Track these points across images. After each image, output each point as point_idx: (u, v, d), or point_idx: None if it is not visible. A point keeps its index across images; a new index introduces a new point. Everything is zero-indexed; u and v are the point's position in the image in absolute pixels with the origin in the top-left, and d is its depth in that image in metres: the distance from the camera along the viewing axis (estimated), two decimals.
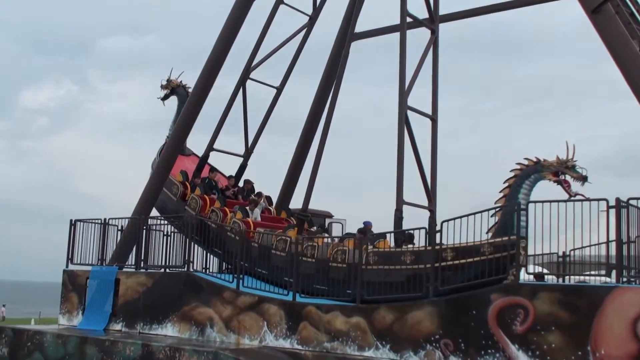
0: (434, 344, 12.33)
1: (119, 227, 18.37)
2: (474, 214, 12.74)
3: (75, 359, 15.88)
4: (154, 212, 19.48)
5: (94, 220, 18.52)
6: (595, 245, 13.09)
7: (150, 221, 17.89)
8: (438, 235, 13.00)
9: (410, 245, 14.49)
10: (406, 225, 15.73)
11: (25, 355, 16.89)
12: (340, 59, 19.22)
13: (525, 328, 11.43)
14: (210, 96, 19.74)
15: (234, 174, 21.28)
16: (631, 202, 11.61)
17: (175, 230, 17.45)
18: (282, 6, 20.97)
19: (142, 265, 17.37)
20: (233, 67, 20.31)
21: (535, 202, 11.98)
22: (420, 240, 13.75)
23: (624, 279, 11.58)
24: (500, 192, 13.60)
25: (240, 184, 21.16)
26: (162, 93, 21.54)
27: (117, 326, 17.05)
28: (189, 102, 19.75)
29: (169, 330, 16.03)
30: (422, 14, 18.43)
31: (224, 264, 18.10)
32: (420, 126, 17.59)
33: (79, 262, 18.55)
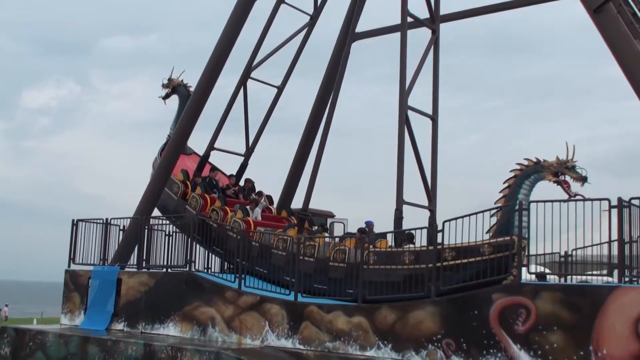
0: (435, 344, 12.33)
1: (121, 227, 18.40)
2: (476, 213, 12.75)
3: (77, 359, 15.90)
4: (156, 212, 19.50)
5: (95, 220, 18.53)
6: (597, 245, 13.07)
7: (152, 221, 17.91)
8: (440, 235, 12.99)
9: (410, 245, 14.50)
10: (406, 225, 15.75)
11: (27, 355, 16.91)
12: (341, 59, 19.24)
13: (527, 328, 11.42)
14: (211, 95, 19.77)
15: (234, 173, 21.30)
16: (633, 201, 11.61)
17: (177, 230, 17.47)
18: (283, 5, 20.97)
19: (143, 265, 17.38)
20: (234, 66, 20.35)
21: (537, 201, 11.97)
22: (421, 240, 13.79)
23: (626, 279, 11.58)
24: (500, 192, 13.63)
25: (241, 183, 21.18)
26: (164, 92, 21.54)
27: (119, 326, 17.07)
28: (190, 102, 19.75)
29: (171, 330, 16.04)
30: (423, 13, 18.45)
31: (226, 263, 18.13)
32: (421, 126, 17.63)
33: (81, 262, 18.57)
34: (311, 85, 21.91)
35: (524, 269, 12.15)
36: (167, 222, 17.89)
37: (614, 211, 11.44)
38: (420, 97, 17.64)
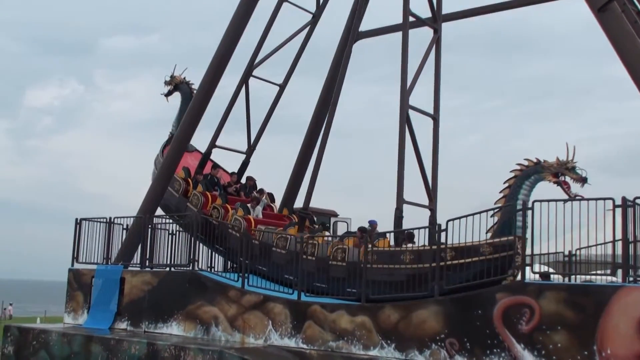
0: (439, 343, 12.31)
1: (124, 226, 18.40)
2: (479, 213, 12.75)
3: (80, 358, 15.91)
4: (159, 211, 19.50)
5: (99, 219, 18.54)
6: (601, 244, 13.07)
7: (155, 220, 17.91)
8: (443, 234, 12.97)
9: (410, 245, 14.50)
10: (407, 224, 15.74)
11: (30, 354, 16.93)
12: (343, 58, 19.24)
13: (531, 327, 11.40)
14: (214, 93, 19.76)
15: (236, 171, 21.31)
16: (637, 201, 11.58)
17: (181, 229, 17.48)
18: (285, 4, 20.98)
19: (147, 264, 17.38)
20: (236, 64, 20.33)
21: (541, 201, 11.94)
22: (422, 240, 13.79)
23: (630, 279, 11.53)
24: (500, 192, 13.63)
25: (243, 180, 21.19)
26: (166, 89, 21.60)
27: (122, 325, 17.07)
28: (193, 102, 19.75)
29: (174, 329, 16.04)
30: (425, 13, 18.43)
31: (229, 262, 18.14)
32: (422, 125, 17.62)
33: (84, 261, 18.58)
34: (313, 84, 21.94)
35: (527, 269, 12.13)
36: (170, 221, 17.90)
37: (618, 210, 11.41)
38: (421, 97, 17.66)
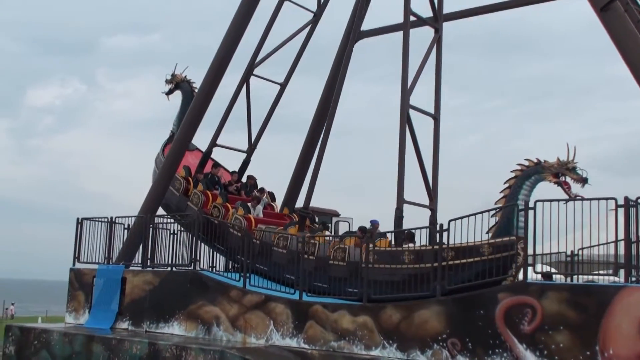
0: (441, 343, 12.29)
1: (126, 226, 18.39)
2: (481, 212, 12.73)
3: (81, 358, 15.89)
4: (161, 211, 19.49)
5: (100, 219, 18.53)
6: (603, 244, 13.03)
7: (156, 219, 17.90)
8: (445, 234, 12.95)
9: (411, 245, 14.47)
10: (407, 224, 15.72)
11: (32, 354, 16.92)
12: (344, 58, 19.21)
13: (533, 327, 11.37)
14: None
15: (237, 170, 21.29)
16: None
17: (182, 229, 17.46)
18: (286, 3, 20.97)
19: (148, 263, 17.38)
20: (236, 63, 20.32)
21: (543, 201, 11.92)
22: (422, 240, 13.76)
23: (633, 279, 11.51)
24: (501, 192, 13.61)
25: (244, 179, 21.17)
26: (167, 88, 21.60)
27: (124, 325, 17.06)
28: (195, 101, 19.73)
29: (176, 329, 16.03)
30: (426, 12, 18.40)
31: (230, 262, 18.12)
32: (423, 125, 17.60)
33: (85, 260, 18.58)
34: (314, 83, 21.94)
35: (529, 268, 12.10)
36: (172, 220, 17.89)
37: (621, 210, 11.38)
38: (422, 97, 17.63)
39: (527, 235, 12.13)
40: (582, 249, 13.73)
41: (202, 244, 17.05)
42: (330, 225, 20.48)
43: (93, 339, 15.92)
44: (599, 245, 12.93)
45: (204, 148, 21.14)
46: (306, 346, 13.90)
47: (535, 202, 12.03)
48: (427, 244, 13.92)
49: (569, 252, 14.38)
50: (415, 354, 12.53)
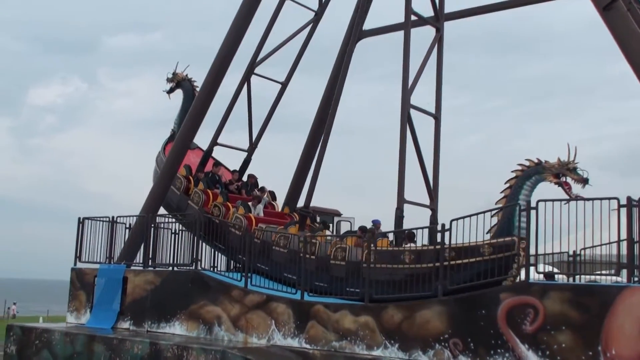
0: (443, 344, 12.26)
1: (127, 225, 18.39)
2: (483, 212, 12.71)
3: (83, 358, 15.89)
4: (162, 210, 19.48)
5: (102, 218, 18.53)
6: (605, 244, 13.01)
7: (158, 219, 17.89)
8: (447, 233, 12.92)
9: (411, 245, 14.45)
10: (408, 224, 15.70)
11: (33, 354, 16.92)
12: (345, 57, 19.19)
13: (535, 328, 11.34)
14: None
15: (238, 169, 21.28)
16: None
17: (183, 229, 17.44)
18: (287, 2, 20.96)
19: (150, 263, 17.37)
20: (237, 62, 20.31)
21: (545, 200, 11.89)
22: (422, 239, 13.72)
23: (635, 279, 11.50)
24: (501, 192, 13.59)
25: (245, 178, 21.16)
26: (168, 86, 21.59)
27: (125, 324, 17.05)
28: (196, 101, 19.70)
29: (177, 329, 16.02)
30: (428, 12, 18.38)
31: (232, 262, 18.11)
32: (424, 125, 17.58)
33: (87, 260, 18.58)
34: (315, 82, 21.90)
35: (532, 268, 12.07)
36: (173, 220, 17.87)
37: (623, 210, 11.35)
38: (423, 96, 17.61)
39: (530, 235, 12.11)
40: (585, 249, 13.71)
41: (204, 244, 17.04)
42: (331, 224, 20.47)
43: (94, 339, 15.91)
44: (601, 245, 12.92)
45: (205, 147, 21.13)
46: (308, 346, 13.89)
47: (538, 201, 11.99)
48: (430, 244, 13.89)
49: (571, 252, 14.36)
50: (417, 354, 12.50)
